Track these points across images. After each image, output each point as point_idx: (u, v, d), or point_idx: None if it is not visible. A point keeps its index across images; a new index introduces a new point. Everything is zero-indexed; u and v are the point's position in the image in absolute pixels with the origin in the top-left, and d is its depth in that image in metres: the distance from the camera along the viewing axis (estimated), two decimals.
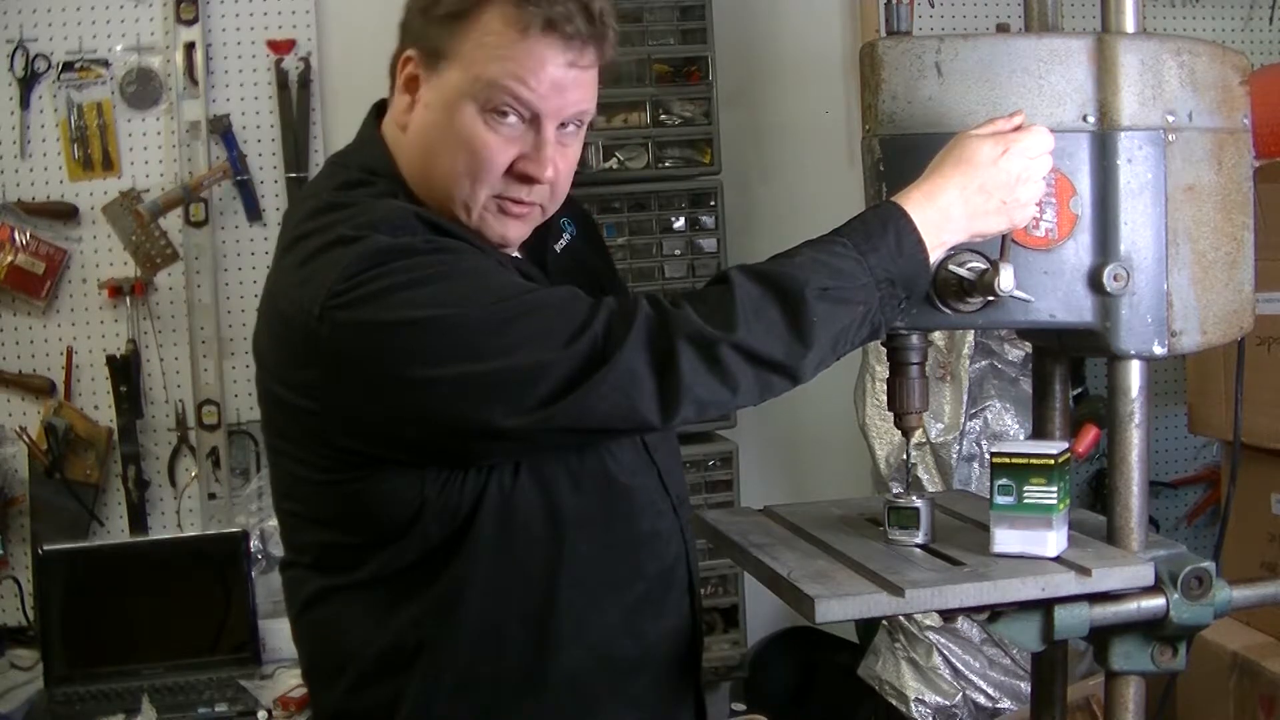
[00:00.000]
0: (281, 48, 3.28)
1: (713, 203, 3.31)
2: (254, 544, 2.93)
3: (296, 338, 1.45)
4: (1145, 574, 1.54)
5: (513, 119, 1.48)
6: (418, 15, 1.52)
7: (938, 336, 3.08)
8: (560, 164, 1.52)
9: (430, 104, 1.51)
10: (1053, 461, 1.53)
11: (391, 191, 1.52)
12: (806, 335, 1.42)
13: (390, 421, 1.44)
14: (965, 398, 3.12)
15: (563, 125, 1.51)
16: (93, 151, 3.19)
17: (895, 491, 1.69)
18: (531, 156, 1.50)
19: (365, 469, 1.48)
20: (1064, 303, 1.59)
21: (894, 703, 3.12)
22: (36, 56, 3.15)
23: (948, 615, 1.56)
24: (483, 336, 1.39)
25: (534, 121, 1.49)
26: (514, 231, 1.55)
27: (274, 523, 2.41)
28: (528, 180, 1.51)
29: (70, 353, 3.19)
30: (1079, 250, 1.58)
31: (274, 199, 3.28)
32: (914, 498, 1.63)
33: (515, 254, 1.59)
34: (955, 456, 3.11)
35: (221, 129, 3.24)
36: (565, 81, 1.48)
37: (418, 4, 1.52)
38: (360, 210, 1.47)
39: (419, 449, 1.46)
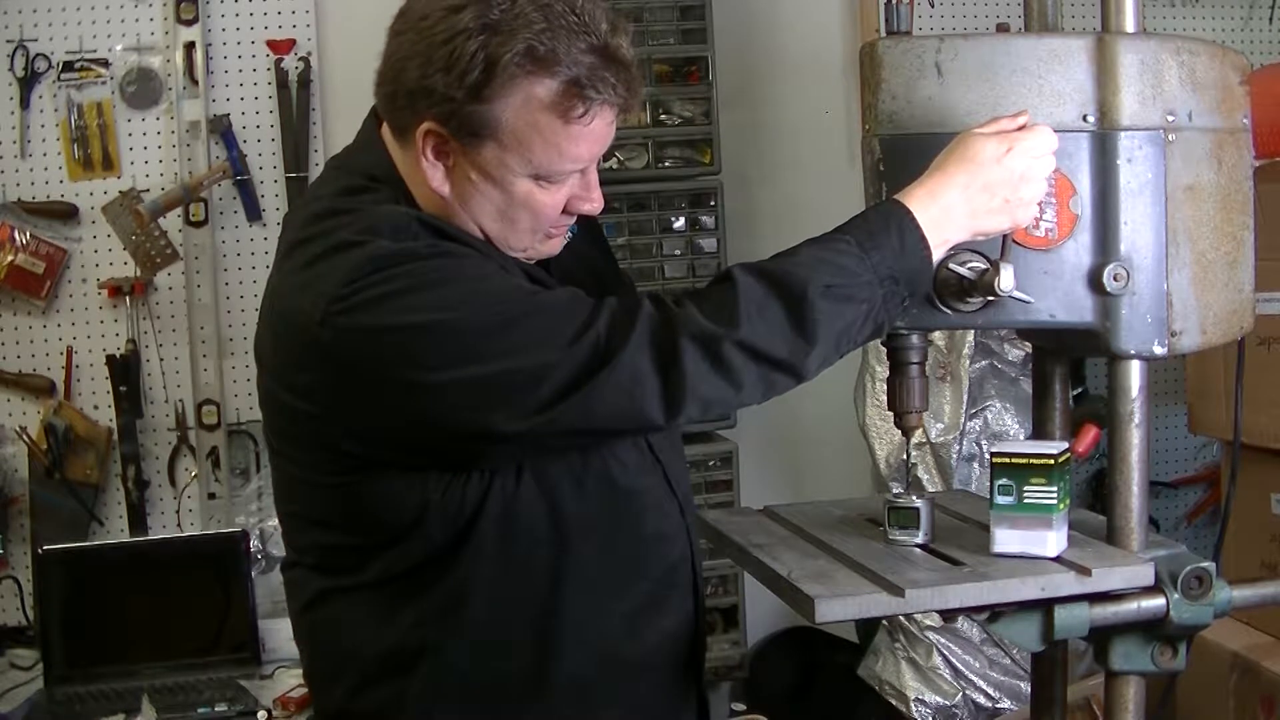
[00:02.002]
0: (281, 48, 3.28)
1: (713, 203, 3.32)
2: (254, 544, 2.93)
3: (298, 342, 1.45)
4: (1145, 574, 1.54)
5: (567, 177, 1.51)
6: (436, 82, 1.43)
7: (938, 336, 3.08)
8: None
9: (477, 180, 1.48)
10: (1053, 461, 1.53)
11: (394, 198, 1.52)
12: (810, 333, 1.42)
13: (392, 425, 1.44)
14: (965, 398, 3.12)
15: None
16: (93, 151, 3.19)
17: (895, 491, 1.68)
18: (584, 196, 1.53)
19: (368, 472, 1.48)
20: (1064, 303, 1.59)
21: (894, 703, 3.12)
22: (36, 56, 3.15)
23: (948, 615, 1.56)
24: (485, 340, 1.39)
25: (583, 169, 1.52)
26: (558, 246, 1.58)
27: (274, 523, 2.42)
28: (580, 213, 1.55)
29: (70, 353, 3.19)
30: (1079, 250, 1.58)
31: (274, 199, 3.28)
32: (914, 498, 1.63)
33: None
34: (955, 456, 3.11)
35: (221, 129, 3.24)
36: (608, 135, 1.51)
37: (429, 67, 1.43)
38: (362, 215, 1.47)
39: (422, 452, 1.46)
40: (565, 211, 1.53)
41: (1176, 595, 1.55)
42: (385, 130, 1.55)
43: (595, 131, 1.47)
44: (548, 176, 1.48)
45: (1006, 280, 1.50)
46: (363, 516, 1.51)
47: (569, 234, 1.62)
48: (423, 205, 1.53)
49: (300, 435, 1.51)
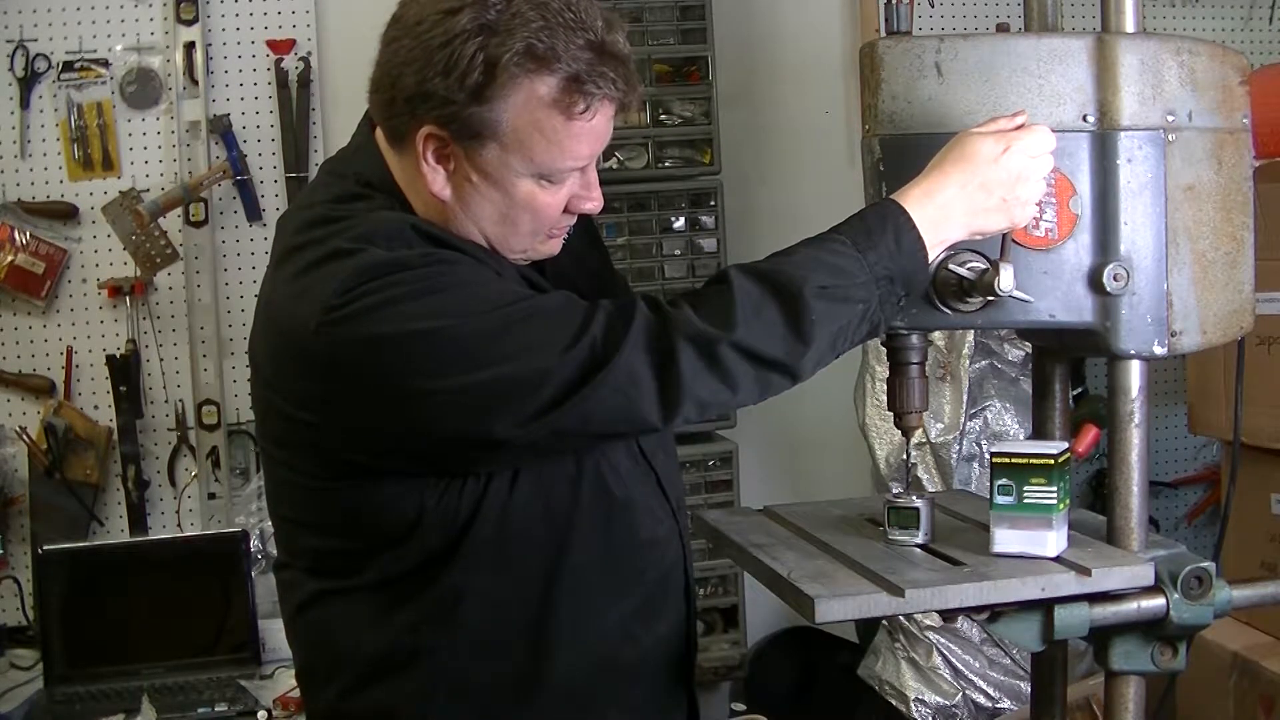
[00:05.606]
0: (281, 48, 3.28)
1: (713, 203, 3.32)
2: (254, 544, 2.92)
3: (294, 351, 1.44)
4: (1145, 574, 1.54)
5: (568, 176, 1.51)
6: (436, 85, 1.42)
7: (938, 336, 3.08)
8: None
9: (478, 182, 1.48)
10: (1053, 461, 1.53)
11: (388, 204, 1.51)
12: (806, 334, 1.42)
13: (390, 433, 1.43)
14: (965, 398, 3.12)
15: None
16: (93, 151, 3.19)
17: (895, 491, 1.68)
18: (584, 195, 1.53)
19: (364, 478, 1.48)
20: (1064, 303, 1.59)
21: (894, 703, 3.12)
22: (36, 56, 3.15)
23: (948, 615, 1.56)
24: (480, 347, 1.38)
25: (583, 167, 1.52)
26: (557, 246, 1.57)
27: None
28: (581, 212, 1.55)
29: (70, 353, 3.19)
30: (1079, 250, 1.58)
31: (274, 199, 3.28)
32: (914, 498, 1.63)
33: None
34: (955, 456, 3.11)
35: (221, 129, 3.24)
36: (608, 132, 1.50)
37: (428, 70, 1.42)
38: (356, 222, 1.46)
39: (419, 459, 1.46)
40: (566, 211, 1.53)
41: (1176, 595, 1.55)
42: (379, 135, 1.54)
43: (596, 128, 1.47)
44: (549, 176, 1.48)
45: (1006, 280, 1.50)
46: (358, 522, 1.50)
47: (566, 234, 1.62)
48: (419, 210, 1.52)
49: (296, 441, 1.51)
